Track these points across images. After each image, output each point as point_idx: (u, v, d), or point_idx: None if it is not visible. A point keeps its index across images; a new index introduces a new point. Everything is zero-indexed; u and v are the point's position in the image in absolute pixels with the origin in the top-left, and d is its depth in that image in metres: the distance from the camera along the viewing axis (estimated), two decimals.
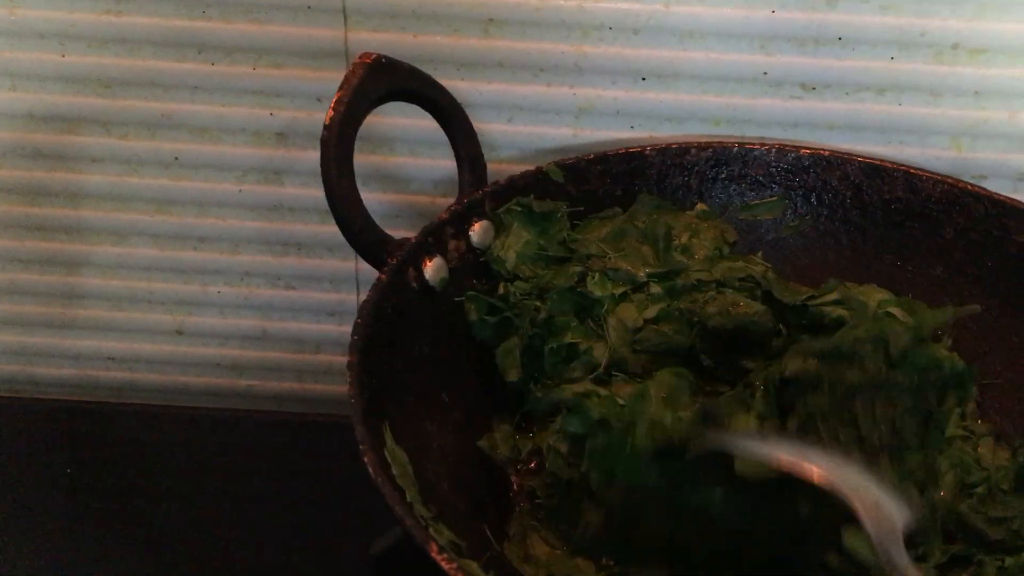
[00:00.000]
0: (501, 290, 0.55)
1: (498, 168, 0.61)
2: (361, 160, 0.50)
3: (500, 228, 0.56)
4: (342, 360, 0.46)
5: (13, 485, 0.64)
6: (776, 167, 0.60)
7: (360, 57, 0.50)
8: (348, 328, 0.47)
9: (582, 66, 0.60)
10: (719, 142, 0.60)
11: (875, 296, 0.55)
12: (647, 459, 0.45)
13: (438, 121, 0.56)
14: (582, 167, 0.58)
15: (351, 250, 0.52)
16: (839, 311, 0.52)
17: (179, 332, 0.71)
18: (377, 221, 0.51)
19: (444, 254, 0.53)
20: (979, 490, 0.48)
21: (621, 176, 0.59)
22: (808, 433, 0.42)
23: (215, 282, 0.69)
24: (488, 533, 0.49)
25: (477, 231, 0.55)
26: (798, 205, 0.60)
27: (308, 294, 0.70)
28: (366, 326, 0.47)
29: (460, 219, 0.54)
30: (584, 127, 0.62)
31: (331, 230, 0.51)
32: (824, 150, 0.59)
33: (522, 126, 0.62)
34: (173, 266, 0.69)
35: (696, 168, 0.60)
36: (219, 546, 0.60)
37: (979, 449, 0.51)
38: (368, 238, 0.51)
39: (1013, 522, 0.46)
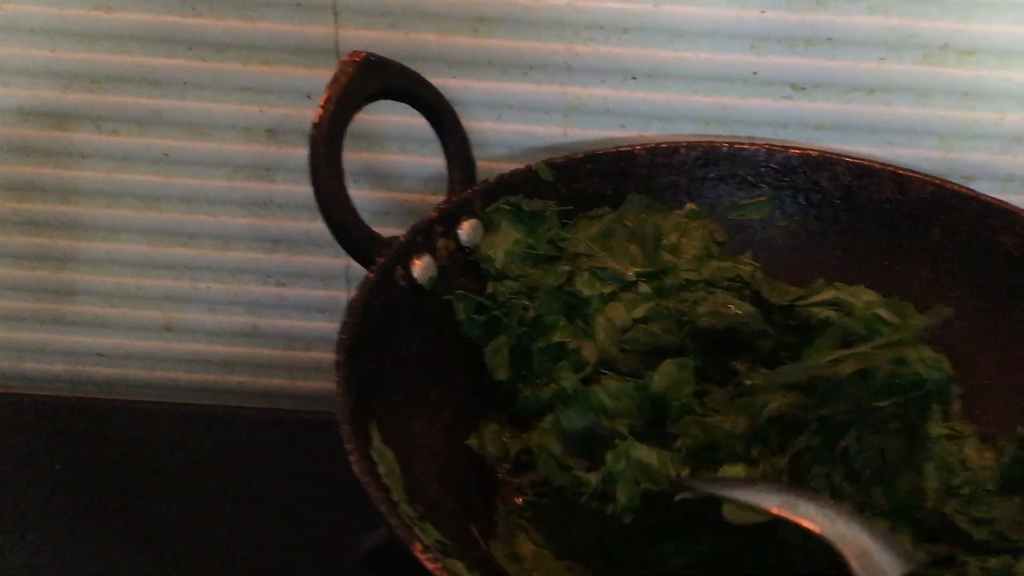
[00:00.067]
0: (490, 289, 0.55)
1: (488, 166, 0.61)
2: (351, 157, 0.50)
3: (489, 227, 0.56)
4: (332, 357, 0.46)
5: (1, 480, 0.64)
6: (765, 167, 0.60)
7: (349, 55, 0.50)
8: (338, 325, 0.47)
9: (572, 65, 0.60)
10: (709, 142, 0.60)
11: (863, 297, 0.55)
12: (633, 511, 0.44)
13: (428, 120, 0.56)
14: (572, 166, 0.58)
15: (341, 247, 0.52)
16: (826, 312, 0.52)
17: (168, 328, 0.71)
18: (367, 219, 0.51)
19: (433, 253, 0.53)
20: (964, 491, 0.48)
21: (611, 175, 0.59)
22: (798, 474, 0.42)
23: (205, 278, 0.69)
24: (476, 533, 0.49)
25: (466, 230, 0.55)
26: (787, 205, 0.60)
27: (298, 291, 0.70)
28: (354, 325, 0.47)
29: (449, 218, 0.55)
30: (574, 126, 0.62)
31: (321, 227, 0.51)
32: (813, 150, 0.59)
33: (512, 124, 0.62)
34: (163, 262, 0.69)
35: (685, 167, 0.60)
36: (210, 542, 0.60)
37: (965, 450, 0.51)
38: (356, 236, 0.51)
39: (997, 523, 0.46)
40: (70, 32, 0.61)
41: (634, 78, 0.60)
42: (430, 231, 0.53)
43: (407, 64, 0.53)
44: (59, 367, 0.74)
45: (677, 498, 0.43)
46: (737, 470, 0.43)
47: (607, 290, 0.54)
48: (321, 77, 0.51)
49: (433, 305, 0.53)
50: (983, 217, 0.56)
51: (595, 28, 0.59)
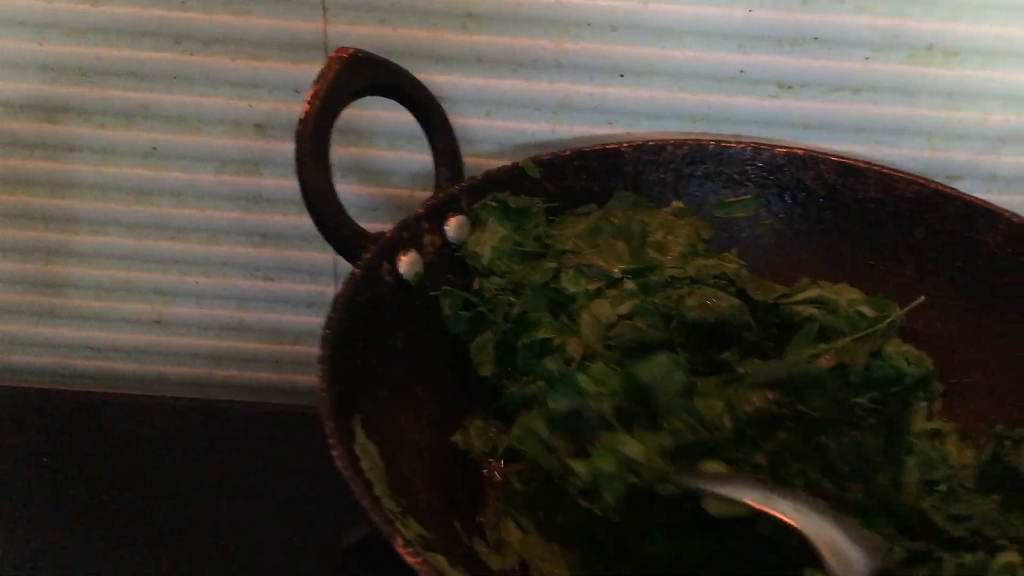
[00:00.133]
0: (476, 285, 0.55)
1: (476, 162, 0.61)
2: (339, 152, 0.50)
3: (476, 223, 0.56)
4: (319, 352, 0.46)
5: None
6: (751, 165, 0.60)
7: (336, 52, 0.50)
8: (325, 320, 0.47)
9: (561, 62, 0.60)
10: (695, 139, 0.60)
11: (846, 295, 0.55)
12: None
13: (415, 116, 0.56)
14: (559, 163, 0.58)
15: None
16: (810, 310, 0.53)
17: (157, 322, 0.72)
18: (355, 214, 0.51)
19: (419, 249, 0.54)
20: (942, 488, 0.48)
21: (598, 172, 0.59)
22: (777, 470, 0.42)
23: (193, 272, 0.69)
24: (459, 528, 0.49)
25: (453, 226, 0.55)
26: (773, 203, 0.60)
27: (286, 285, 0.70)
28: (339, 320, 0.47)
29: (436, 214, 0.55)
30: (562, 122, 0.62)
31: (309, 222, 0.51)
32: (799, 149, 0.60)
33: (500, 121, 0.63)
34: (151, 256, 0.69)
35: (672, 165, 0.60)
36: (197, 534, 0.61)
37: (945, 447, 0.51)
38: (343, 232, 0.51)
39: (974, 520, 0.47)
40: (58, 25, 0.61)
41: (622, 76, 0.61)
42: (417, 227, 0.54)
43: (396, 60, 0.53)
44: (48, 360, 0.74)
45: (660, 491, 0.43)
46: (718, 466, 0.44)
47: (593, 287, 0.55)
48: (310, 72, 0.51)
49: (419, 301, 0.53)
50: (967, 217, 0.56)
51: (583, 25, 0.59)
